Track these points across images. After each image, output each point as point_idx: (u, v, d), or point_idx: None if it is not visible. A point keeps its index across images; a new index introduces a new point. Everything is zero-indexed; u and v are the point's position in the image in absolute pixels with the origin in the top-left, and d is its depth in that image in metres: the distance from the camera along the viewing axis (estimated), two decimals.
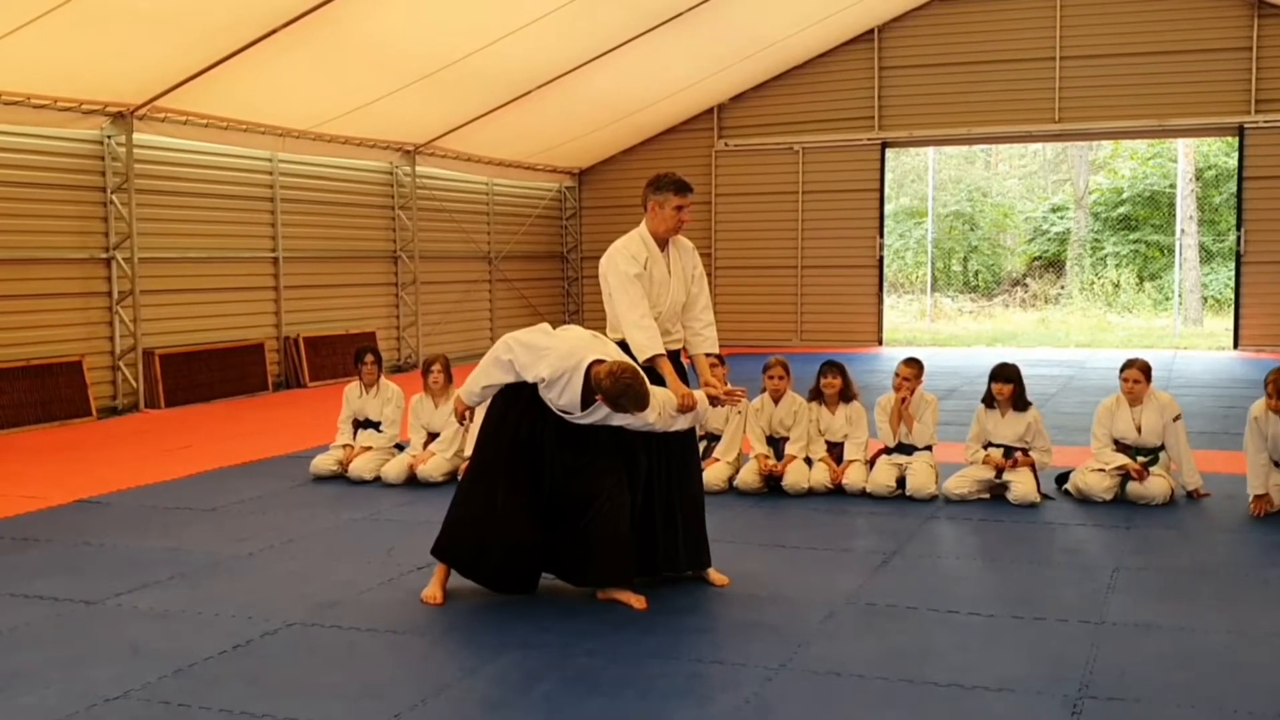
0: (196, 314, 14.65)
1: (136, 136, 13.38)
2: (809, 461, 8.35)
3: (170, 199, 14.26)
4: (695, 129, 21.73)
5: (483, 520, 5.59)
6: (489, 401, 5.71)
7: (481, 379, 5.66)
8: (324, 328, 16.61)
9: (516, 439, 5.58)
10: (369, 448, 9.12)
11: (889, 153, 21.56)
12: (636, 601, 5.55)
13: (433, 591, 5.72)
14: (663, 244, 5.96)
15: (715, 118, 21.59)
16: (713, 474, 8.31)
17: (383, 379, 9.44)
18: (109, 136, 13.33)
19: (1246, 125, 18.86)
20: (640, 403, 5.23)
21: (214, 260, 14.93)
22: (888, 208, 23.38)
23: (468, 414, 5.81)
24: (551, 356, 5.37)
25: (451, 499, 5.84)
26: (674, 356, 5.87)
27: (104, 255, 13.44)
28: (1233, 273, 20.67)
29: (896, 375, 8.30)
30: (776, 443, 8.46)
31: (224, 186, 15.08)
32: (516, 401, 5.58)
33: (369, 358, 9.31)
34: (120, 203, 13.45)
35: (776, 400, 8.46)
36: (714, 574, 5.97)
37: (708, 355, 6.10)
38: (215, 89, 13.24)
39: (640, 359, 5.54)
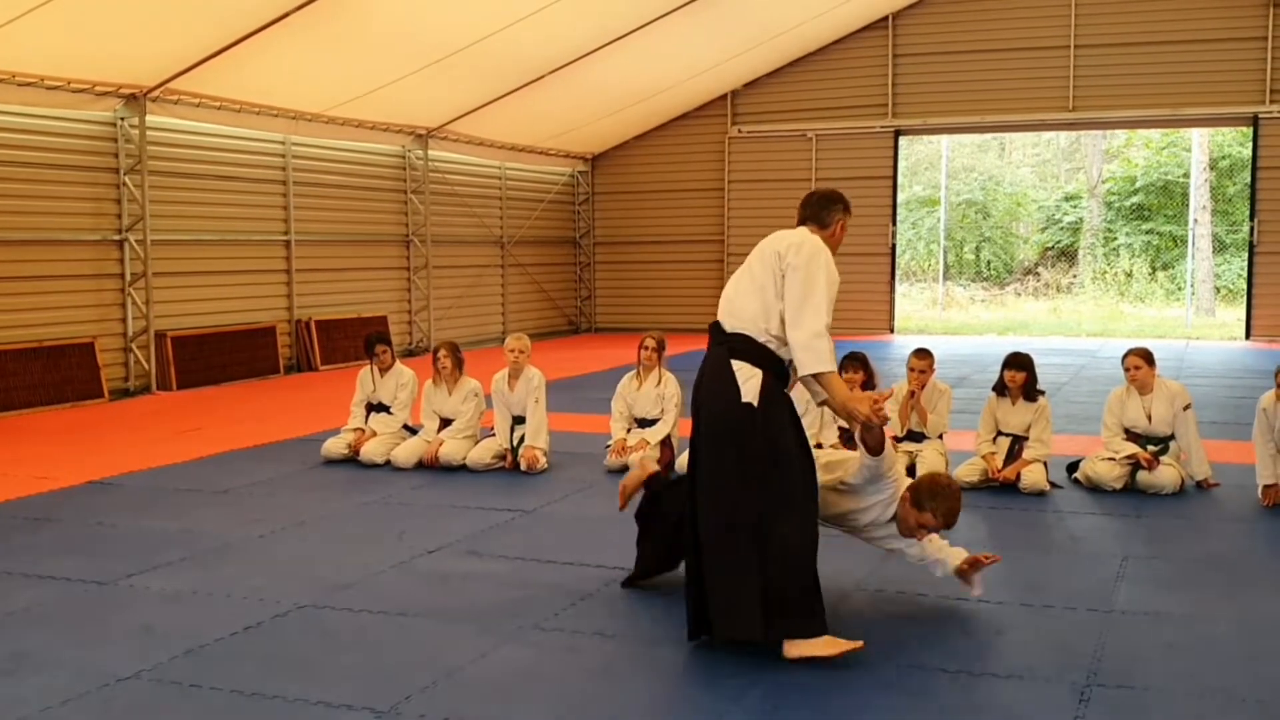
0: (209, 296, 14.69)
1: (150, 119, 13.40)
2: (819, 447, 8.34)
3: (183, 181, 14.29)
4: (709, 115, 21.69)
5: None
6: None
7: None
8: (336, 311, 16.64)
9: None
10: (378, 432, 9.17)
11: (902, 141, 21.49)
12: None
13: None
14: None
15: (729, 104, 21.55)
16: None
17: (397, 363, 9.46)
18: (122, 118, 13.36)
19: (1261, 115, 18.76)
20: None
21: (226, 243, 14.96)
22: (901, 196, 23.30)
23: None
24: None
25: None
26: None
27: (117, 237, 13.48)
28: (1246, 263, 20.57)
29: (909, 368, 8.29)
30: None
31: (237, 169, 15.10)
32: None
33: (380, 347, 9.33)
34: (133, 185, 13.48)
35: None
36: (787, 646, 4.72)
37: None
38: (228, 72, 13.26)
39: (810, 370, 4.79)
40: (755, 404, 4.72)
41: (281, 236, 15.86)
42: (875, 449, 4.94)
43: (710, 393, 4.89)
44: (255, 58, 13.11)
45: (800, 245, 4.86)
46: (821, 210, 5.08)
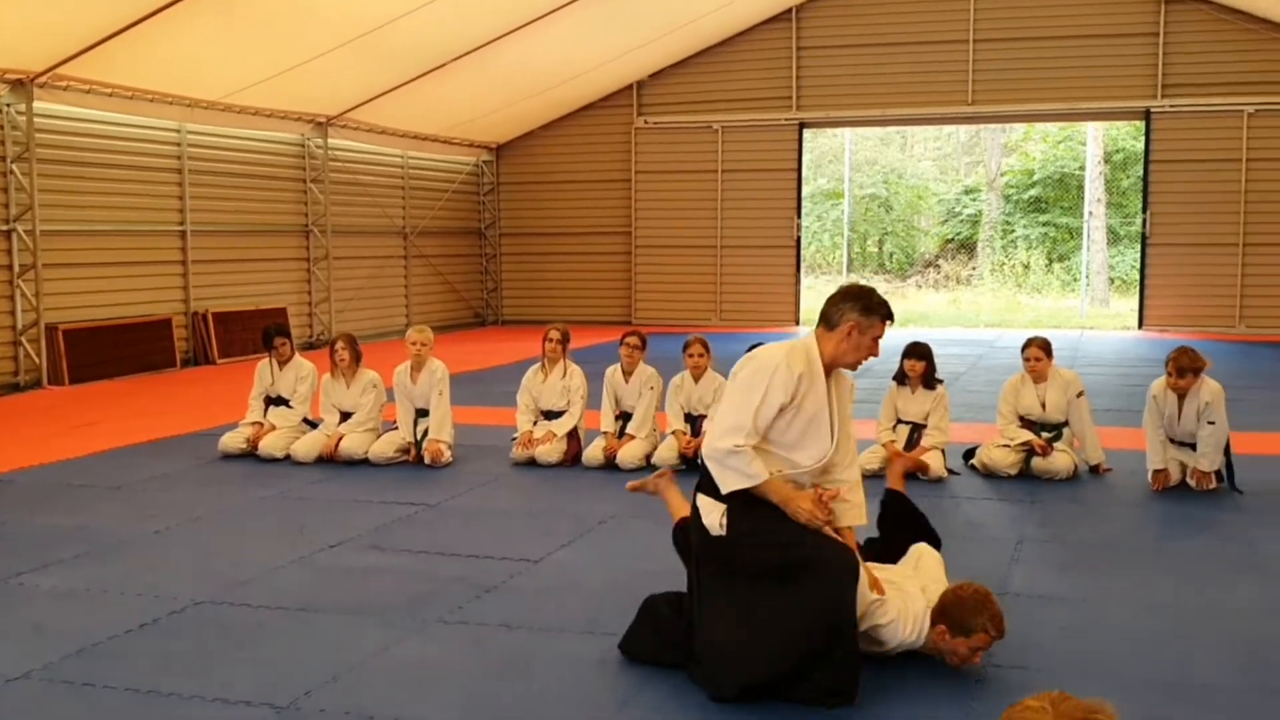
0: (101, 289, 14.31)
1: (37, 105, 13.01)
2: None
3: (74, 170, 13.90)
4: (615, 106, 21.68)
5: None
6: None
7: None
8: (234, 303, 16.33)
9: None
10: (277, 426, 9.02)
11: (806, 133, 21.68)
12: None
13: None
14: (827, 372, 4.49)
15: (635, 95, 21.54)
16: (629, 451, 8.38)
17: (296, 356, 9.31)
18: (8, 105, 12.94)
19: (1153, 109, 19.27)
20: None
21: (119, 233, 14.58)
22: (805, 189, 23.51)
23: None
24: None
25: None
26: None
27: (4, 227, 13.06)
28: (1139, 254, 21.13)
29: None
30: (695, 420, 8.50)
31: (130, 158, 14.73)
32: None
33: (279, 340, 9.17)
34: (21, 173, 13.07)
35: (697, 378, 8.50)
36: None
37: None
38: (121, 56, 12.91)
39: (727, 491, 4.36)
40: (725, 534, 4.36)
41: (177, 227, 15.51)
42: None
43: (693, 527, 4.56)
44: (148, 43, 12.79)
45: (751, 359, 4.46)
46: (830, 307, 4.47)
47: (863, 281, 31.74)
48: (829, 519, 4.34)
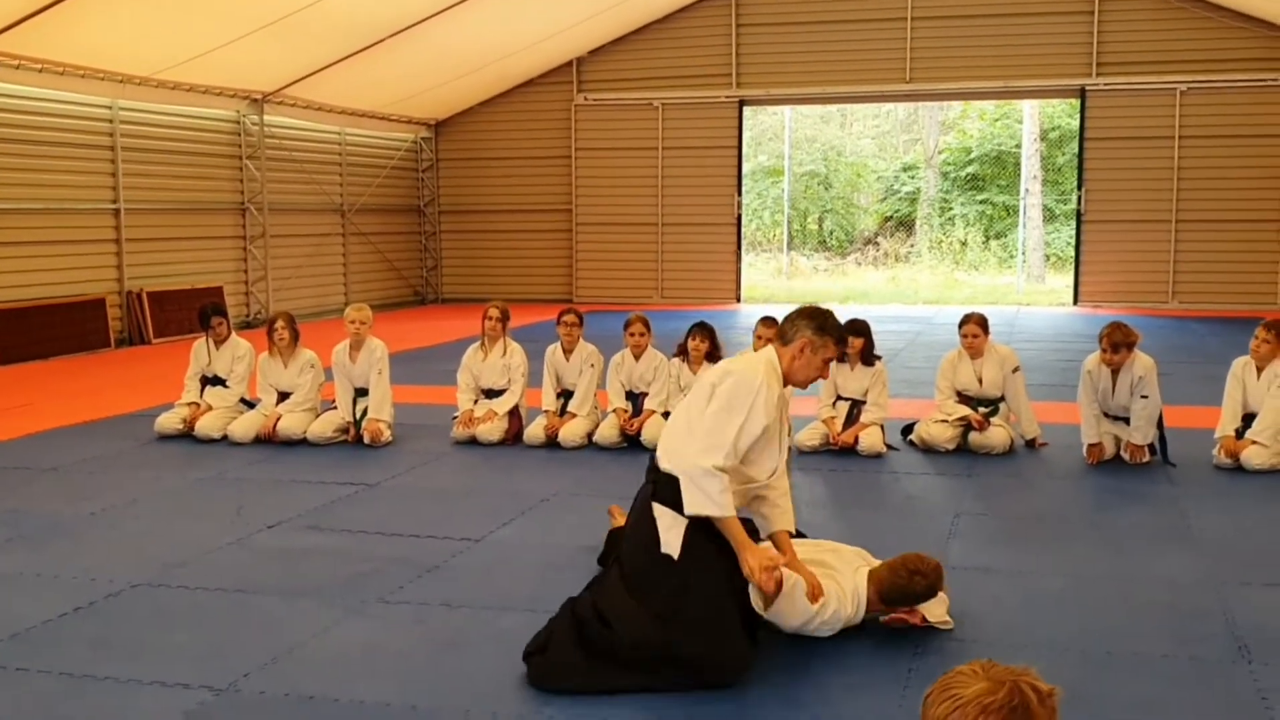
0: (33, 268, 14.04)
1: None
2: (667, 416, 8.41)
3: (3, 146, 13.61)
4: (555, 82, 21.56)
5: None
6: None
7: None
8: (169, 282, 16.09)
9: None
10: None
11: (747, 111, 21.71)
12: None
13: None
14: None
15: (575, 71, 21.44)
16: (570, 430, 8.38)
17: (233, 335, 9.20)
18: None
19: (1088, 87, 19.51)
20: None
21: (51, 212, 14.31)
22: (746, 166, 23.54)
23: None
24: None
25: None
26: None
27: None
28: (1074, 231, 21.41)
29: (756, 336, 8.40)
30: (636, 398, 8.51)
31: (61, 134, 14.45)
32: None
33: (216, 319, 9.04)
34: None
35: (638, 356, 8.51)
36: None
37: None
38: (51, 31, 12.65)
39: (691, 511, 4.25)
40: (675, 557, 4.25)
41: (110, 205, 15.24)
42: (765, 606, 4.42)
43: (632, 533, 4.50)
44: (79, 17, 12.53)
45: (732, 375, 4.36)
46: (787, 324, 4.50)
47: (802, 257, 31.93)
48: (772, 592, 4.28)
